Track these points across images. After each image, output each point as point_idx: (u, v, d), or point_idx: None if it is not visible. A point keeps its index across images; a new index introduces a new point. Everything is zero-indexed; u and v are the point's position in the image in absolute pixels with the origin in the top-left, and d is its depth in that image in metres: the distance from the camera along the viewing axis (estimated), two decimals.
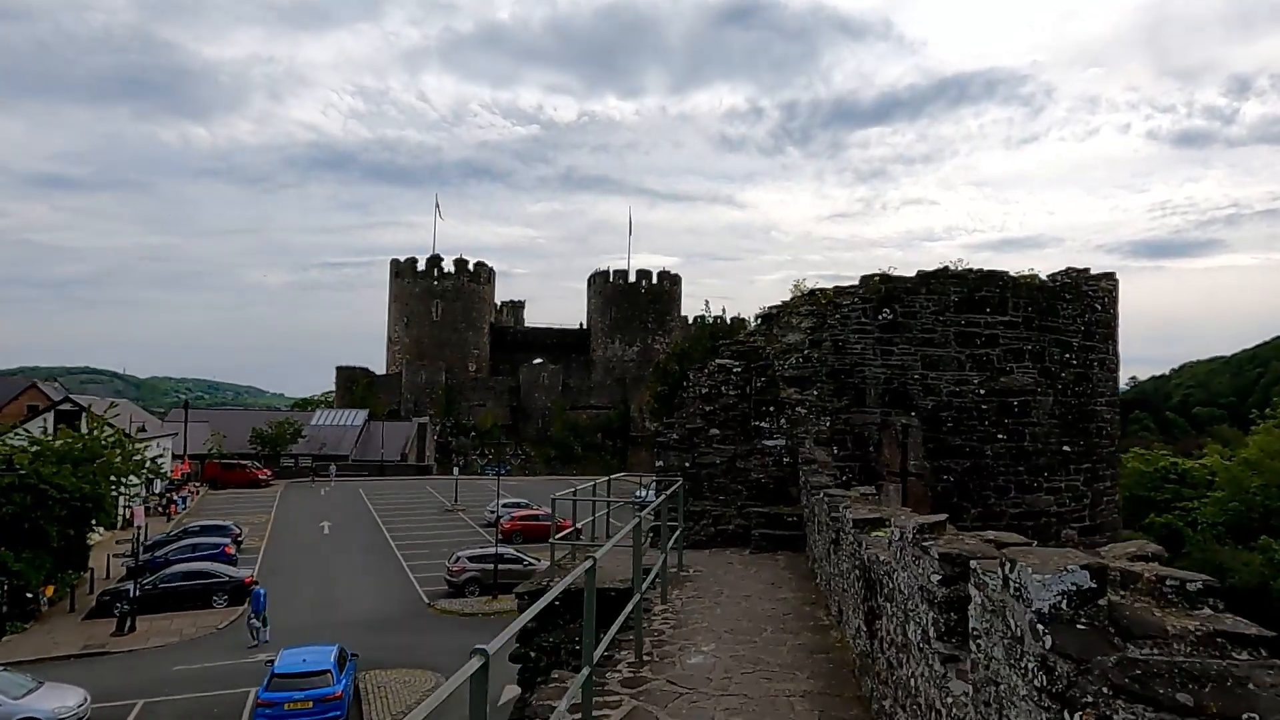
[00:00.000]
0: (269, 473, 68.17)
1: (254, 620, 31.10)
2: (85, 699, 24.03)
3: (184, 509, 56.78)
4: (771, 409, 14.26)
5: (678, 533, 11.50)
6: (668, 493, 11.89)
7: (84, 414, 51.32)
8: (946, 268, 13.99)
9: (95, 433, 37.72)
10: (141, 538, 48.11)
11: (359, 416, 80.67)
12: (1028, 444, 14.00)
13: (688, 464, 14.15)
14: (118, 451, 38.54)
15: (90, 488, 35.28)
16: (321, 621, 34.83)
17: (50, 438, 37.16)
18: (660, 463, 14.34)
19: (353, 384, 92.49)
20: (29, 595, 32.93)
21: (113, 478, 38.16)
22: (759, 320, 15.56)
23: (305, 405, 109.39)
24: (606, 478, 17.39)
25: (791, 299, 14.93)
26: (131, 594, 32.90)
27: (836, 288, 14.48)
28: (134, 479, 38.52)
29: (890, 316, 13.96)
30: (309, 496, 65.14)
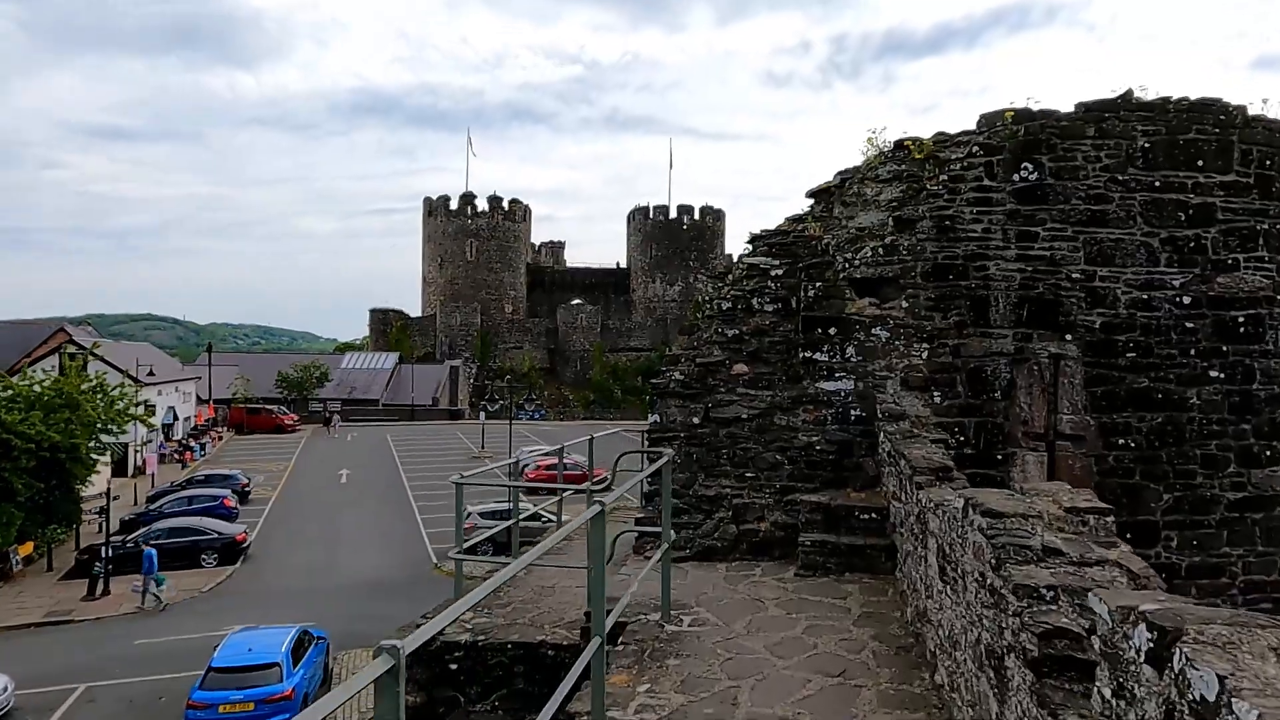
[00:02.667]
0: (295, 418, 64.76)
1: (141, 583, 27.61)
2: (6, 687, 20.05)
3: (201, 456, 53.51)
4: (832, 332, 8.72)
5: (662, 550, 6.12)
6: (647, 470, 6.57)
7: (85, 357, 47.83)
8: (1129, 93, 8.17)
9: (71, 377, 33.64)
10: (151, 487, 44.87)
11: (389, 360, 76.76)
12: (1258, 386, 8.31)
13: (697, 420, 8.76)
14: (98, 397, 34.51)
15: (62, 437, 31.31)
16: (316, 586, 30.79)
17: (25, 383, 33.22)
18: (655, 417, 8.97)
19: (387, 326, 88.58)
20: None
21: (98, 425, 34.24)
22: (812, 201, 9.90)
23: (347, 349, 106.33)
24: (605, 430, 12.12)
25: (866, 160, 9.21)
26: (104, 554, 29.06)
27: (939, 135, 8.76)
28: (114, 427, 34.49)
29: (1032, 177, 8.23)
30: (334, 442, 61.58)
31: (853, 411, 8.55)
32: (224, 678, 18.00)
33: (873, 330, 8.64)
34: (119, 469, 47.59)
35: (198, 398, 63.63)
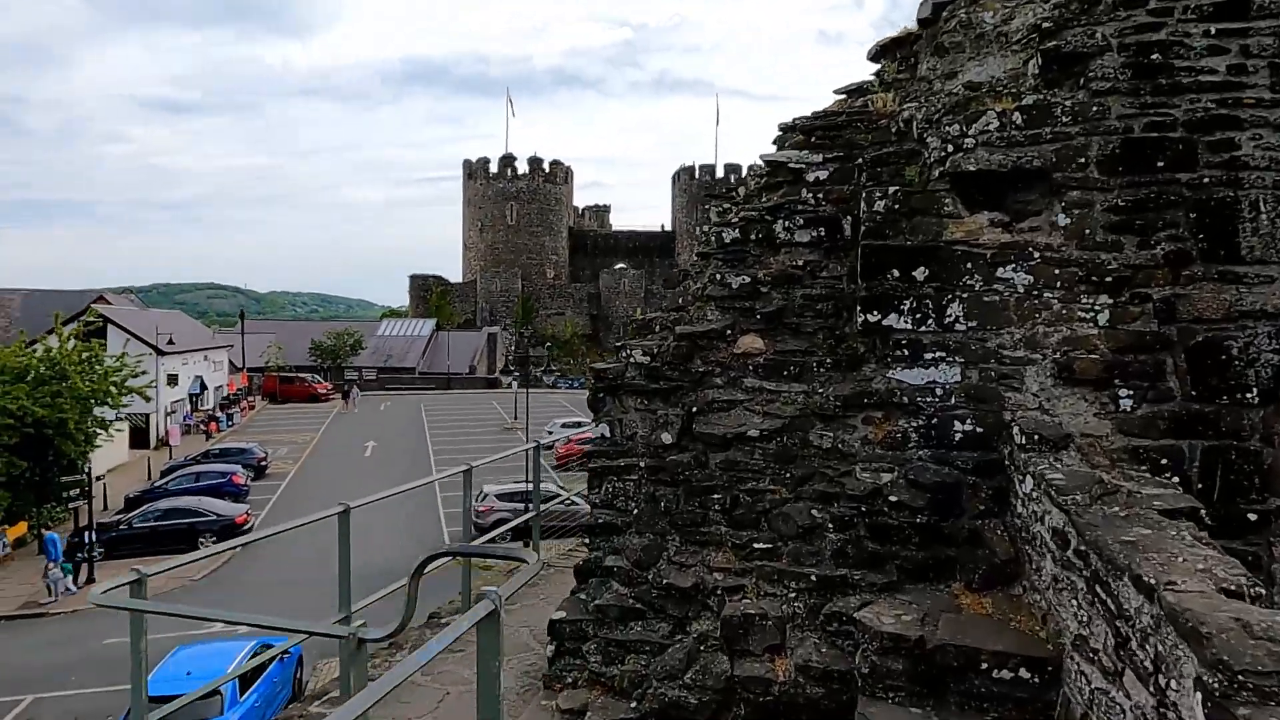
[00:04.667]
0: (328, 386, 62.43)
1: (53, 570, 24.99)
2: None
3: (228, 427, 51.37)
4: (919, 275, 4.63)
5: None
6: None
7: (106, 326, 45.70)
8: None
9: (62, 346, 31.00)
10: (169, 460, 42.70)
11: (426, 326, 73.97)
12: None
13: (670, 436, 4.79)
14: (95, 369, 31.86)
15: (48, 411, 28.71)
16: (316, 575, 27.77)
17: (26, 351, 30.68)
18: (600, 430, 4.99)
19: (427, 293, 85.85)
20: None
21: (93, 399, 31.65)
22: (880, 64, 5.71)
23: (391, 316, 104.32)
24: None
25: None
26: (87, 540, 26.44)
27: None
28: (110, 400, 31.84)
29: None
30: (365, 412, 59.06)
31: (959, 426, 4.45)
32: (155, 706, 14.85)
33: (999, 272, 4.50)
34: (141, 441, 45.61)
35: (231, 366, 61.70)
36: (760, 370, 5.01)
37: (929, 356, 4.61)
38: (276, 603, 24.62)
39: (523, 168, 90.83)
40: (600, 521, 4.80)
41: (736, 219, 5.61)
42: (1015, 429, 4.20)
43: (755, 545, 4.44)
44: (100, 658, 21.07)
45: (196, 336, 56.72)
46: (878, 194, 4.90)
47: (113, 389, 31.58)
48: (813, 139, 5.56)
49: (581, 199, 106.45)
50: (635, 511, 4.78)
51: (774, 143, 6.02)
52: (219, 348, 58.61)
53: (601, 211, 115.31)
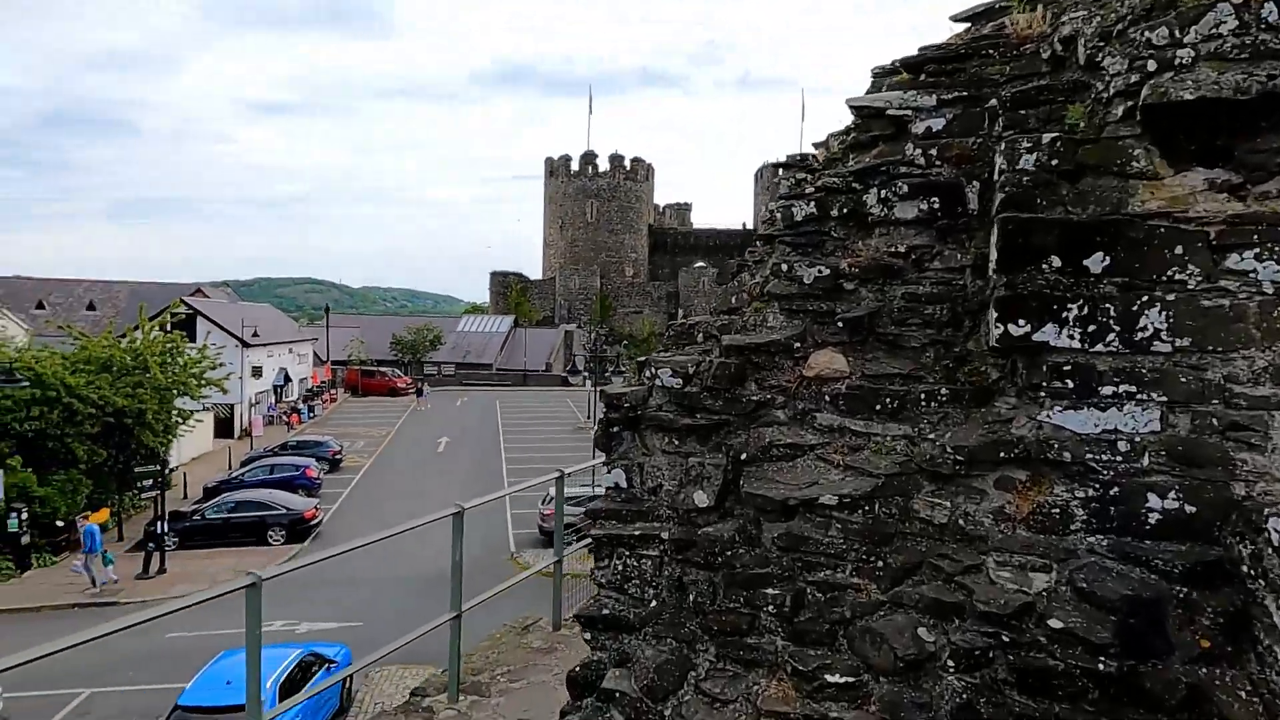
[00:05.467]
0: (408, 380, 62.96)
1: (76, 564, 25.06)
2: None
3: (309, 418, 52.11)
4: (1092, 265, 2.99)
5: None
6: None
7: (195, 317, 46.84)
8: None
9: (146, 339, 31.44)
10: (250, 450, 43.37)
11: (505, 323, 73.98)
12: None
13: (708, 495, 3.31)
14: (178, 361, 32.26)
15: (129, 402, 29.10)
16: (379, 575, 27.35)
17: (97, 342, 31.28)
18: (614, 477, 3.57)
19: (506, 289, 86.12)
20: (59, 524, 27.43)
21: (174, 390, 32.08)
22: None
23: (474, 312, 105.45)
24: None
25: None
26: (160, 530, 26.58)
27: None
28: (190, 392, 32.15)
29: None
30: (441, 407, 59.23)
31: (1156, 502, 2.82)
32: (190, 719, 14.20)
33: (1229, 261, 2.84)
34: (225, 431, 46.59)
35: (316, 358, 62.87)
36: (841, 402, 3.45)
37: (1108, 391, 2.96)
38: (330, 602, 24.16)
39: (604, 165, 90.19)
40: (604, 612, 3.34)
41: (812, 189, 4.05)
42: (1263, 514, 2.53)
43: (827, 677, 2.90)
44: (162, 652, 20.85)
45: (282, 329, 57.91)
46: (1024, 146, 3.27)
47: (192, 380, 31.90)
48: (922, 77, 3.95)
49: (662, 197, 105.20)
50: (653, 603, 3.30)
51: (867, 93, 4.42)
52: (303, 341, 59.74)
53: (682, 209, 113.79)
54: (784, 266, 3.91)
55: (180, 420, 33.09)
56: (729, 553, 3.24)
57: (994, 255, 3.24)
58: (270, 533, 29.22)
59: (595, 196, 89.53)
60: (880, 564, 3.11)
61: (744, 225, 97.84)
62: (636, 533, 3.39)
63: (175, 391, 31.52)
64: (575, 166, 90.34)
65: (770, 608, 3.11)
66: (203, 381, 32.48)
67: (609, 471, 3.75)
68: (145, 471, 27.68)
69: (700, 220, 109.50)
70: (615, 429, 3.73)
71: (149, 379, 30.07)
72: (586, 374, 51.21)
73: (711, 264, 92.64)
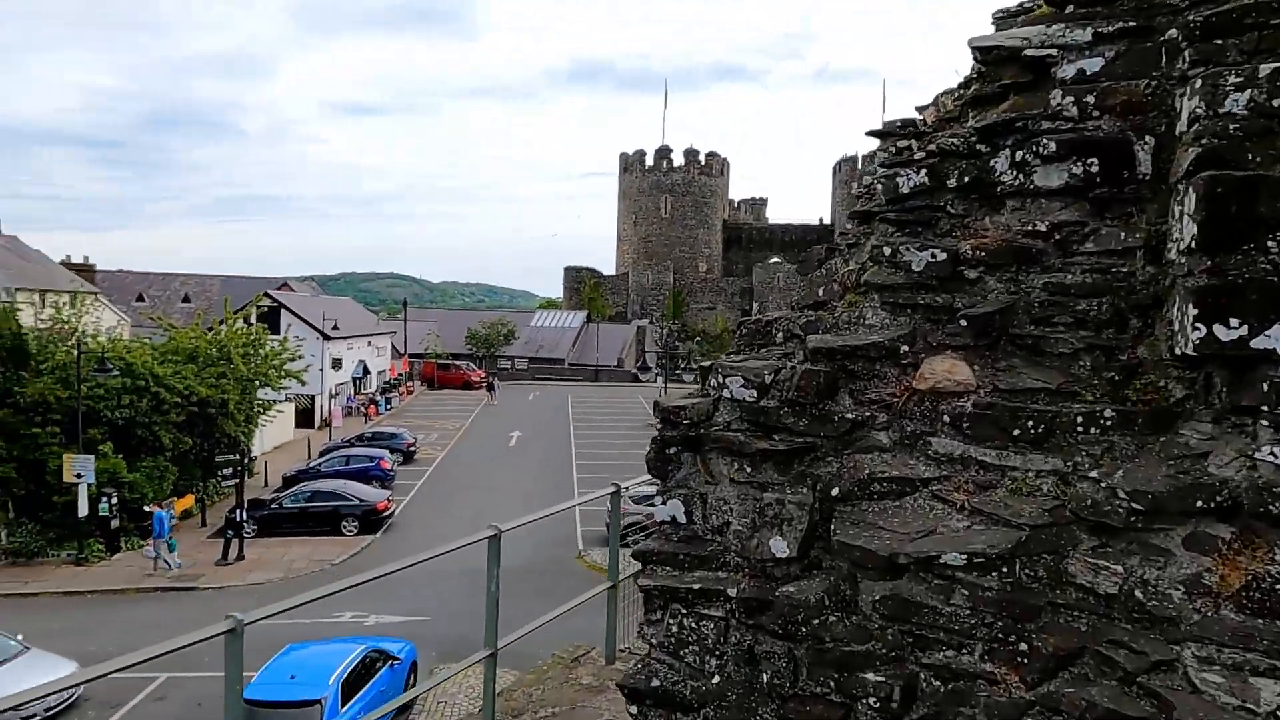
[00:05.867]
0: (482, 374, 63.55)
1: (148, 547, 25.78)
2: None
3: (386, 410, 53.01)
4: None
5: None
6: None
7: (280, 310, 48.08)
8: None
9: (227, 328, 32.22)
10: (328, 440, 44.26)
11: (577, 318, 73.99)
12: None
13: (787, 544, 2.56)
14: (259, 353, 33.01)
15: (212, 392, 29.85)
16: (446, 569, 27.19)
17: (185, 332, 32.22)
18: (670, 509, 2.84)
19: (580, 285, 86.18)
20: (147, 509, 28.29)
21: (256, 380, 32.85)
22: None
23: (548, 307, 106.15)
24: None
25: None
26: (239, 517, 27.13)
27: None
28: (269, 383, 32.85)
29: None
30: (514, 401, 59.53)
31: None
32: (253, 714, 14.13)
33: None
34: (306, 421, 47.75)
35: (394, 351, 64.04)
36: (965, 424, 2.64)
37: None
38: (396, 596, 24.15)
39: (678, 160, 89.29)
40: (654, 684, 2.63)
41: (922, 153, 3.23)
42: None
43: None
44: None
45: (361, 323, 59.12)
46: (1231, 82, 2.41)
47: (272, 372, 32.57)
48: (1069, 9, 3.09)
49: (737, 192, 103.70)
50: (715, 679, 2.58)
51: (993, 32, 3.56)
52: (382, 334, 60.89)
53: (758, 204, 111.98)
54: (886, 250, 3.12)
55: (261, 410, 33.84)
56: (816, 620, 2.48)
57: (1188, 231, 2.37)
58: (344, 523, 29.54)
59: (669, 191, 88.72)
60: (1024, 647, 2.30)
61: (821, 220, 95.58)
62: (696, 586, 2.66)
63: (256, 382, 32.21)
64: (650, 161, 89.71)
65: (871, 699, 2.34)
66: (283, 373, 33.12)
67: (663, 502, 3.03)
68: (226, 460, 28.31)
69: (776, 216, 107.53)
70: (672, 450, 3.00)
71: (232, 370, 30.79)
72: (658, 371, 50.54)
73: (787, 259, 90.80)
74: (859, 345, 2.94)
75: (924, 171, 3.17)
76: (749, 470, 2.82)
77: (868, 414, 2.83)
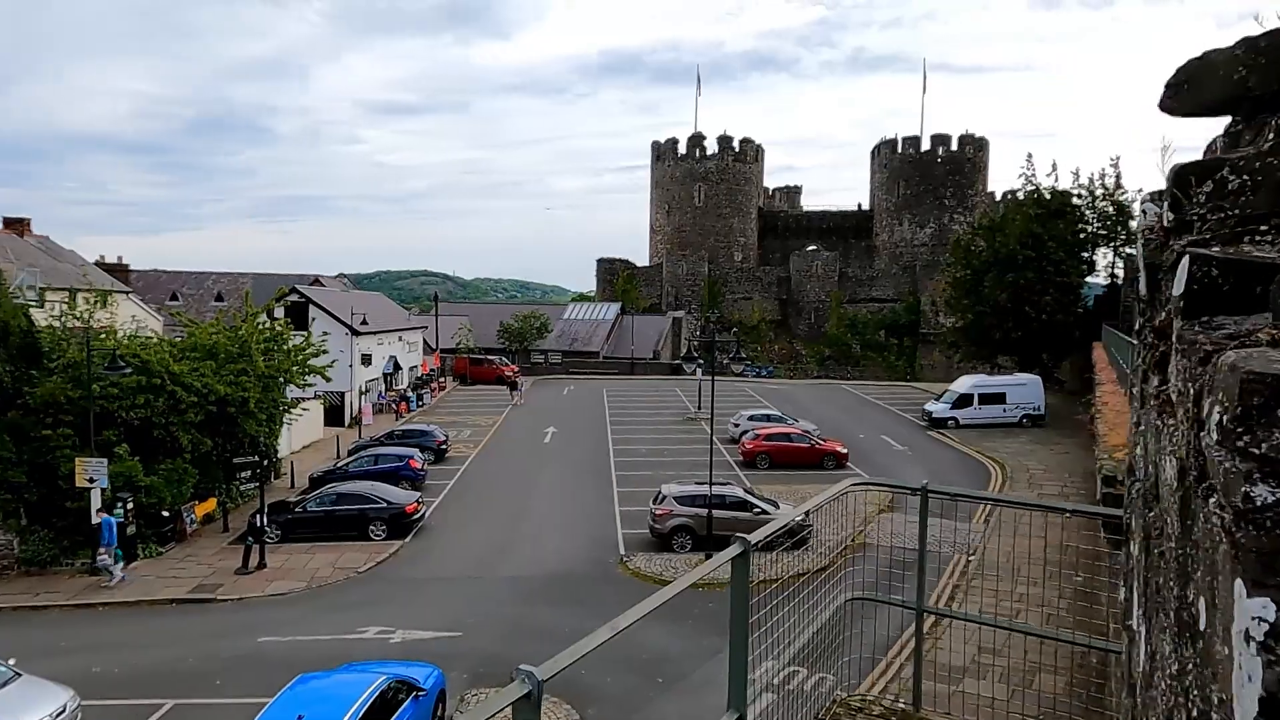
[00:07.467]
0: (515, 369, 61.56)
1: (103, 556, 23.43)
2: (65, 707, 15.73)
3: (418, 406, 51.22)
4: None
5: None
6: None
7: (308, 305, 46.44)
8: None
9: (251, 325, 30.41)
10: (359, 438, 42.48)
11: (611, 310, 71.65)
12: None
13: None
14: (282, 349, 31.17)
15: (232, 389, 28.05)
16: (482, 575, 25.05)
17: (212, 328, 30.47)
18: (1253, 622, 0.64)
19: (613, 277, 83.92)
20: (165, 514, 26.60)
21: (279, 378, 31.03)
22: None
23: (581, 300, 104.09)
24: None
25: None
26: (259, 524, 25.27)
27: None
28: (293, 380, 30.99)
29: None
30: (548, 396, 57.44)
31: None
32: None
33: None
34: (336, 418, 46.11)
35: (426, 346, 62.33)
36: None
37: None
38: (428, 607, 22.05)
39: (712, 147, 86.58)
40: None
41: None
42: None
43: None
44: (252, 659, 19.19)
45: (392, 318, 57.39)
46: None
47: (294, 368, 30.72)
48: None
49: (771, 181, 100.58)
50: None
51: None
52: (413, 329, 59.12)
53: (793, 192, 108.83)
54: None
55: (287, 408, 32.04)
56: None
57: None
58: (372, 527, 27.63)
59: (703, 180, 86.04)
60: None
61: (859, 206, 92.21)
62: None
63: (280, 379, 30.38)
64: (683, 149, 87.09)
65: None
66: (306, 369, 31.26)
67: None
68: (244, 462, 26.47)
69: (811, 205, 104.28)
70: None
71: (252, 366, 28.97)
72: (700, 362, 47.94)
73: (824, 247, 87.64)
74: None
75: None
76: None
77: None
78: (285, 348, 30.81)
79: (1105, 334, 40.98)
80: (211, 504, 29.40)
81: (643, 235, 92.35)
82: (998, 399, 43.08)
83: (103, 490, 24.43)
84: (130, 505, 25.46)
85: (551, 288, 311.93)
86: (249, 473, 25.90)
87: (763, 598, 4.22)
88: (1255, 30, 1.59)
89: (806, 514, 3.67)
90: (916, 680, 4.13)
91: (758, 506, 26.81)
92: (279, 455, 34.44)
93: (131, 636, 20.77)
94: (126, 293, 43.83)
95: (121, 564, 23.71)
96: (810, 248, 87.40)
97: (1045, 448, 38.13)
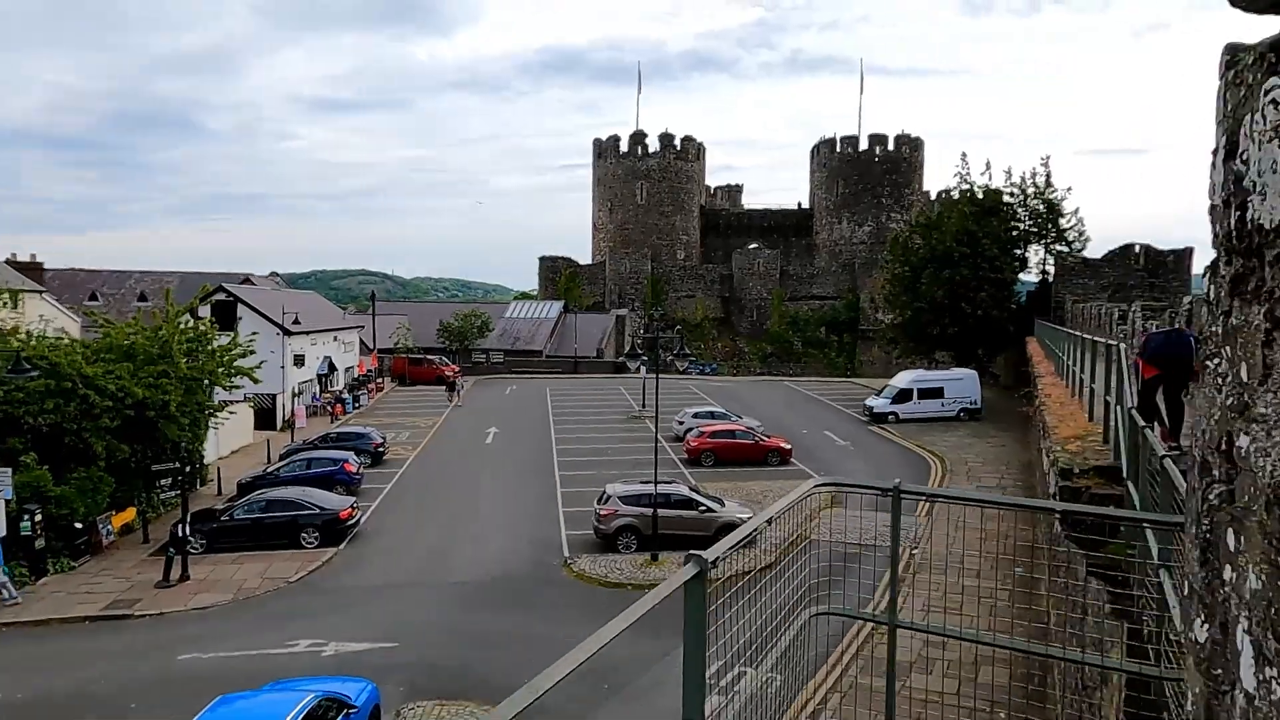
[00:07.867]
0: (456, 369, 60.18)
1: None
2: None
3: (353, 409, 49.59)
4: None
5: None
6: None
7: (236, 304, 44.50)
8: None
9: (170, 325, 28.78)
10: (291, 441, 40.84)
11: (554, 309, 70.74)
12: None
13: None
14: (206, 349, 29.60)
15: (151, 393, 26.46)
16: (421, 580, 24.06)
17: (132, 329, 28.72)
18: None
19: (556, 274, 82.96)
20: (78, 526, 24.92)
21: (204, 380, 29.44)
22: None
23: (522, 299, 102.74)
24: None
25: None
26: (181, 533, 23.84)
27: None
28: (217, 383, 29.46)
29: None
30: (490, 396, 56.32)
31: None
32: None
33: None
34: (268, 422, 44.29)
35: (363, 347, 60.51)
36: None
37: None
38: (364, 618, 21.02)
39: (654, 145, 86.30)
40: None
41: None
42: None
43: None
44: (170, 679, 17.96)
45: (327, 317, 55.49)
46: None
47: (220, 370, 29.20)
48: None
49: (713, 181, 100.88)
50: None
51: None
52: (349, 329, 57.28)
53: (734, 190, 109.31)
54: None
55: (212, 411, 30.46)
56: None
57: None
58: (303, 534, 26.39)
59: (645, 178, 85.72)
60: None
61: (799, 204, 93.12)
62: None
63: (204, 381, 28.83)
64: (624, 147, 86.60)
65: None
66: (233, 370, 29.74)
67: None
68: (165, 469, 24.99)
69: (752, 204, 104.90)
70: None
71: (173, 368, 27.40)
72: (644, 360, 47.46)
73: (766, 245, 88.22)
74: None
75: None
76: None
77: None
78: (210, 348, 29.24)
79: (1038, 328, 41.94)
80: (130, 514, 27.73)
81: (586, 233, 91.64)
82: (936, 394, 43.67)
83: (7, 502, 22.72)
84: (39, 517, 23.77)
85: (494, 287, 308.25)
86: (170, 480, 24.45)
87: (718, 606, 3.71)
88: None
89: (769, 521, 3.17)
90: (890, 705, 3.66)
91: (703, 505, 26.43)
92: (205, 461, 32.77)
93: (36, 660, 19.29)
94: (39, 292, 41.28)
95: (10, 580, 22.03)
96: (752, 246, 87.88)
97: (982, 440, 38.75)
